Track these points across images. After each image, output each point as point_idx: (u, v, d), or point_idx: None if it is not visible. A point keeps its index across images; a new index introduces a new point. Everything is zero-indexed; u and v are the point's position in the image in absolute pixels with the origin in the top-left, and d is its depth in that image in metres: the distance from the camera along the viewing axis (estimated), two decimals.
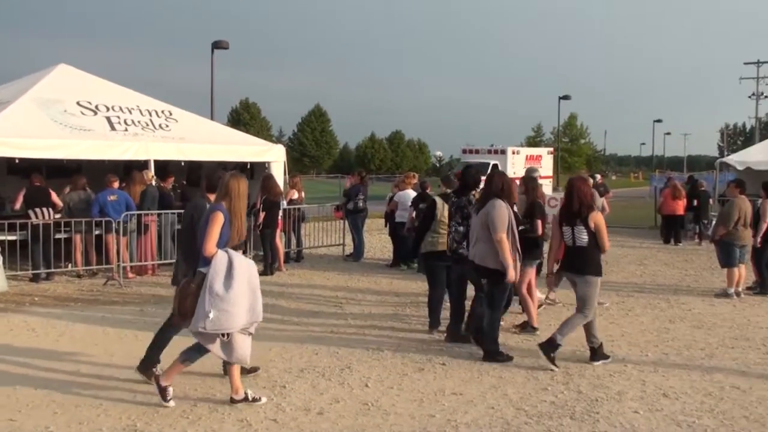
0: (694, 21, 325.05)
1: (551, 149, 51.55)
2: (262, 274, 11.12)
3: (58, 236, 12.41)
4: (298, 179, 16.70)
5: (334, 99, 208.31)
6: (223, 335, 5.97)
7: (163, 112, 15.33)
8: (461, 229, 8.39)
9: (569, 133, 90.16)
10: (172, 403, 6.22)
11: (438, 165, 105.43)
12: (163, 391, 6.24)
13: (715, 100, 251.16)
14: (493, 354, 7.74)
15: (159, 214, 13.21)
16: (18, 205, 12.66)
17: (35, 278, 12.31)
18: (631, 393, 6.78)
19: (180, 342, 6.77)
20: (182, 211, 13.43)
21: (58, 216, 12.73)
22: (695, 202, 20.44)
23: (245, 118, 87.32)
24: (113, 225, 12.30)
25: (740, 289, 11.73)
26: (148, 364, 6.84)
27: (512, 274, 7.64)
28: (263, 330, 6.53)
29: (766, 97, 68.91)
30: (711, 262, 14.85)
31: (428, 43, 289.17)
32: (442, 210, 8.83)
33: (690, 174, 35.53)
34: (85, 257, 12.86)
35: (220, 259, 5.97)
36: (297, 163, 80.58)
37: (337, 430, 5.81)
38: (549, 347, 7.57)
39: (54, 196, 12.68)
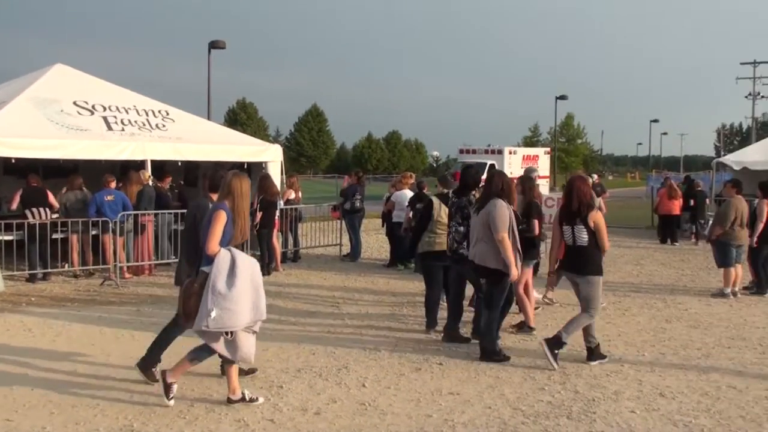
0: (691, 21, 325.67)
1: (548, 149, 51.59)
2: None
3: (54, 236, 12.40)
4: (295, 179, 16.70)
5: (331, 99, 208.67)
6: (226, 334, 5.96)
7: (159, 112, 15.33)
8: (461, 229, 8.39)
9: (566, 133, 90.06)
10: (171, 402, 6.22)
11: (435, 165, 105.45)
12: (167, 388, 6.23)
13: (711, 101, 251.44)
14: (490, 354, 7.74)
15: (156, 214, 13.20)
16: (15, 206, 12.64)
17: (32, 278, 12.29)
18: (627, 393, 6.79)
19: (185, 342, 6.78)
20: (179, 211, 13.52)
21: (55, 216, 12.72)
22: (692, 202, 20.48)
23: (242, 118, 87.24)
24: (110, 225, 12.28)
25: (737, 288, 11.75)
26: (148, 363, 6.83)
27: (515, 273, 7.69)
28: (260, 330, 6.53)
29: (762, 97, 68.99)
30: (707, 262, 14.87)
31: (425, 44, 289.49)
32: (439, 210, 8.84)
33: (687, 174, 35.60)
34: (81, 257, 12.84)
35: (222, 257, 5.97)
36: (294, 163, 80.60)
37: (334, 430, 5.81)
38: (554, 344, 7.58)
39: (51, 198, 12.67)
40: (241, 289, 5.91)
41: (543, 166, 43.01)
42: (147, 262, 13.19)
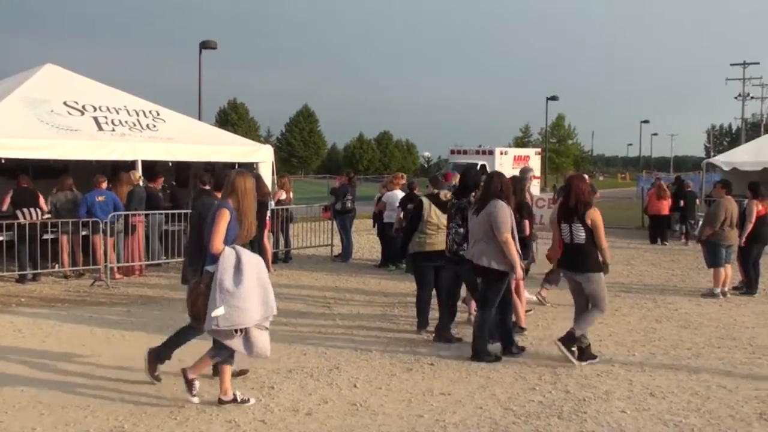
0: (681, 22, 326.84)
1: (539, 150, 51.69)
2: None
3: (44, 237, 12.35)
4: (286, 180, 16.69)
5: (322, 99, 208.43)
6: (237, 331, 5.93)
7: (150, 112, 15.30)
8: (461, 230, 8.39)
9: (557, 134, 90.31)
10: (196, 399, 6.19)
11: (426, 165, 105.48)
12: (189, 385, 6.19)
13: (701, 101, 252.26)
14: (481, 354, 7.75)
15: (146, 215, 13.17)
16: (5, 207, 12.59)
17: (21, 279, 12.25)
18: (618, 392, 6.81)
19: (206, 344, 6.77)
20: (170, 211, 13.50)
21: (46, 217, 12.67)
22: (682, 203, 20.57)
23: (233, 119, 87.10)
24: (100, 226, 12.24)
25: (726, 289, 11.80)
26: (158, 356, 6.82)
27: (520, 273, 7.81)
28: None
29: (752, 98, 69.42)
30: (697, 262, 14.93)
31: (418, 44, 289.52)
32: (429, 210, 8.83)
33: (677, 174, 35.72)
34: (71, 258, 12.80)
35: (227, 255, 5.95)
36: (285, 164, 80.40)
37: (326, 431, 5.80)
38: (568, 341, 7.66)
39: (41, 201, 12.63)
40: (248, 285, 5.89)
41: (534, 166, 43.04)
42: (137, 263, 13.15)
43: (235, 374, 6.85)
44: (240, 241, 6.21)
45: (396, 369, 7.49)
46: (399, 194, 14.23)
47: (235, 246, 6.05)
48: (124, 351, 8.02)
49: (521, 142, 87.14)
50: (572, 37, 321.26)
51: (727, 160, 23.07)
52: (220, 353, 6.22)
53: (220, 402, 6.23)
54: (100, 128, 13.74)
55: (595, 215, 7.61)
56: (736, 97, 68.97)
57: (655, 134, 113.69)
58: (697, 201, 21.28)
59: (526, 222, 9.32)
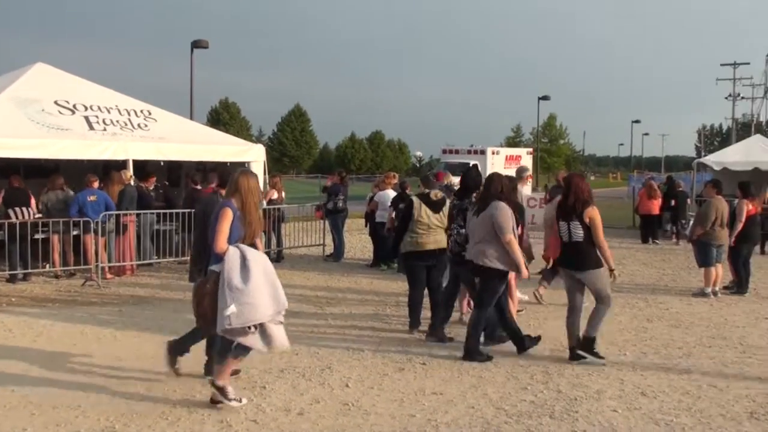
0: (673, 23, 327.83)
1: (530, 149, 51.79)
2: None
3: (35, 236, 12.30)
4: (278, 179, 16.66)
5: (314, 99, 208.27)
6: (250, 328, 5.90)
7: (142, 111, 15.25)
8: (463, 231, 8.40)
9: (548, 134, 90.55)
10: (234, 403, 6.14)
11: (418, 165, 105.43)
12: (222, 391, 6.13)
13: (692, 102, 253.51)
14: (474, 353, 7.76)
15: (138, 215, 13.13)
16: None
17: (12, 279, 12.19)
18: (609, 392, 6.82)
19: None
20: (162, 211, 13.47)
21: (37, 216, 12.63)
22: (673, 203, 20.64)
23: (225, 118, 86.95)
24: (91, 225, 12.20)
25: (717, 288, 11.84)
26: (177, 349, 6.84)
27: (525, 273, 7.85)
28: None
29: (742, 98, 69.52)
30: (688, 262, 14.98)
31: (410, 44, 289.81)
32: (419, 210, 8.82)
33: (668, 174, 35.83)
34: (62, 258, 12.76)
35: (232, 254, 5.92)
36: (277, 163, 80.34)
37: (318, 431, 5.80)
38: (587, 345, 7.73)
39: (33, 203, 12.58)
40: (256, 282, 5.86)
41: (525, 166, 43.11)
42: (129, 263, 13.12)
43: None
44: (247, 240, 6.18)
45: (388, 369, 7.49)
46: (391, 194, 14.23)
47: (238, 245, 6.03)
48: (115, 351, 8.00)
49: (513, 142, 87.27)
50: (564, 37, 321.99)
51: (717, 159, 23.19)
52: (238, 353, 6.15)
53: (212, 401, 6.22)
54: (91, 128, 13.69)
55: (593, 213, 7.64)
56: (726, 98, 69.11)
57: (647, 134, 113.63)
58: (688, 201, 21.36)
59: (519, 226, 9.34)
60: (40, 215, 12.68)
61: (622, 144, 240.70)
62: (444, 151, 46.33)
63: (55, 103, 13.83)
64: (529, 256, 9.60)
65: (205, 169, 15.64)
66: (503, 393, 6.75)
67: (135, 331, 8.93)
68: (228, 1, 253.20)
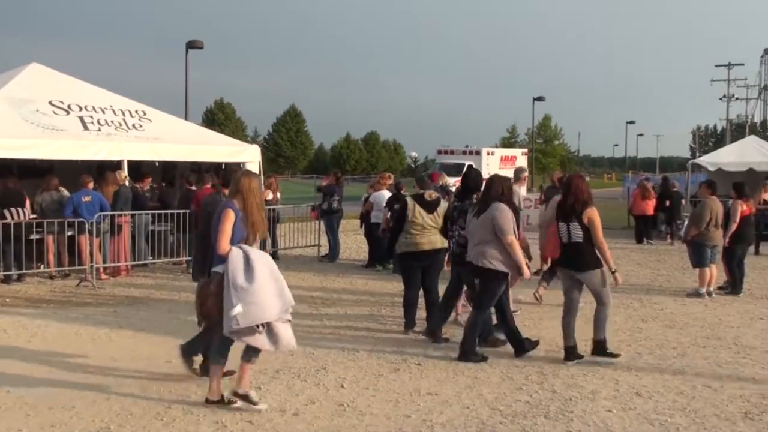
0: (667, 24, 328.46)
1: (526, 150, 51.90)
2: None
3: (30, 237, 12.28)
4: (273, 180, 16.66)
5: (309, 99, 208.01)
6: (259, 327, 5.89)
7: (136, 111, 15.23)
8: (465, 233, 8.41)
9: (543, 134, 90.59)
10: (260, 407, 6.14)
11: (413, 166, 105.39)
12: (247, 399, 6.13)
13: (687, 103, 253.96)
14: (469, 354, 7.77)
15: (132, 215, 13.11)
16: None
17: (6, 279, 12.16)
18: (604, 392, 6.84)
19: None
20: (157, 211, 13.44)
21: (33, 217, 12.60)
22: (668, 203, 20.67)
23: (220, 119, 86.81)
24: (86, 226, 12.18)
25: (711, 288, 11.86)
26: (189, 350, 6.86)
27: (527, 273, 7.86)
28: None
29: (736, 99, 69.91)
30: (683, 262, 15.00)
31: (405, 44, 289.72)
32: (413, 210, 8.82)
33: (664, 175, 35.92)
34: (57, 258, 12.73)
35: (235, 254, 5.91)
36: (272, 164, 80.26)
37: (313, 431, 5.80)
38: (599, 349, 7.83)
39: (27, 205, 12.55)
40: (261, 281, 5.85)
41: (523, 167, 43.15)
42: (123, 263, 13.10)
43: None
44: (250, 241, 6.17)
45: (383, 369, 7.49)
46: (386, 194, 14.22)
47: (241, 245, 6.02)
48: (110, 351, 7.99)
49: (508, 143, 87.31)
50: (559, 38, 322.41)
51: (712, 160, 23.26)
52: (250, 355, 6.12)
53: (207, 402, 6.21)
54: (85, 128, 13.66)
55: (592, 214, 7.66)
56: (721, 98, 69.52)
57: (641, 135, 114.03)
58: (683, 201, 21.41)
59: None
60: (34, 216, 12.65)
61: (616, 145, 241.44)
62: (439, 152, 46.40)
63: (50, 103, 13.81)
64: (528, 256, 9.63)
65: (200, 169, 15.65)
66: (498, 393, 6.76)
67: (130, 332, 8.92)
68: (223, 2, 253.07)
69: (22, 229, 11.89)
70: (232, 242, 5.98)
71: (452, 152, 44.67)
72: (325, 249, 16.11)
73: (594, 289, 7.79)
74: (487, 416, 6.16)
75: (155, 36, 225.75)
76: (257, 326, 5.85)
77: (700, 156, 37.51)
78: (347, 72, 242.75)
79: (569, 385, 7.03)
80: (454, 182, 20.10)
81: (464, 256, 8.24)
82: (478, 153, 42.69)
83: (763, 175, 20.04)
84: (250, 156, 15.43)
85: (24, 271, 12.27)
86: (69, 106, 14.02)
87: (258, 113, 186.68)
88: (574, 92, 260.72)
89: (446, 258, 9.18)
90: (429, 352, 8.15)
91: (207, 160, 14.91)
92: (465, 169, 9.74)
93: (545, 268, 11.19)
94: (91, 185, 12.64)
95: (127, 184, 13.28)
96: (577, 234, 7.67)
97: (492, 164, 40.23)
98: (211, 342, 6.66)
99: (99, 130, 13.80)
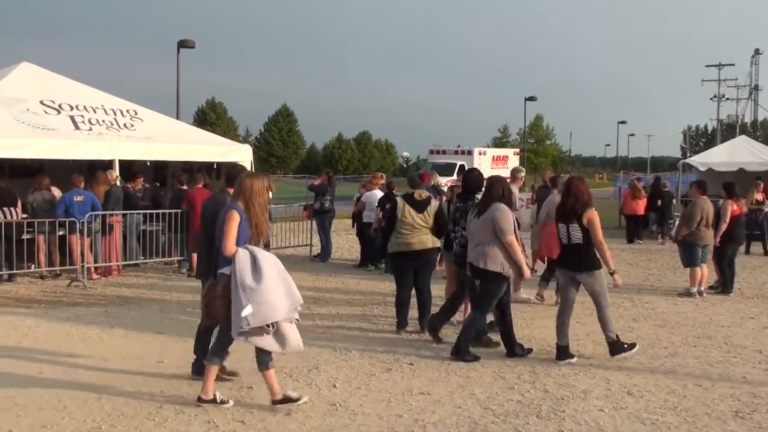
0: (657, 24, 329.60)
1: (517, 150, 51.98)
2: None
3: (21, 237, 12.23)
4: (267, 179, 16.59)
5: (301, 99, 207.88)
6: (268, 327, 5.87)
7: (128, 111, 15.18)
8: (467, 233, 8.41)
9: (535, 134, 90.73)
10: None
11: (405, 165, 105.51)
12: (286, 400, 6.14)
13: (677, 103, 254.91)
14: (462, 353, 7.77)
15: (124, 215, 13.07)
16: None
17: None
18: (596, 391, 6.85)
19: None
20: (148, 211, 13.41)
21: (24, 217, 12.55)
22: (659, 203, 20.75)
23: (211, 118, 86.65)
24: (77, 226, 12.14)
25: (702, 288, 11.90)
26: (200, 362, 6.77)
27: (528, 273, 7.89)
28: None
29: (727, 99, 70.16)
30: (674, 262, 15.05)
31: (398, 44, 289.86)
32: (403, 210, 8.83)
33: (656, 175, 36.03)
34: (48, 258, 12.68)
35: (242, 255, 5.90)
36: (264, 163, 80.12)
37: (305, 431, 5.80)
38: (615, 348, 7.88)
39: (18, 204, 12.51)
40: (269, 280, 5.84)
41: (512, 166, 43.22)
42: (115, 263, 13.06)
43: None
44: (254, 242, 6.15)
45: (375, 369, 7.49)
46: (378, 194, 14.23)
47: (246, 246, 6.01)
48: (101, 352, 7.97)
49: (500, 143, 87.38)
50: (550, 37, 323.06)
51: (702, 160, 23.34)
52: (263, 359, 6.09)
53: (200, 401, 6.19)
54: (76, 127, 13.61)
55: (592, 215, 7.69)
56: (711, 99, 69.75)
57: (632, 135, 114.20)
58: (674, 201, 21.48)
59: None
60: (25, 215, 12.60)
61: (608, 144, 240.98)
62: (431, 152, 46.44)
63: (41, 102, 13.76)
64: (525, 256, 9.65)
65: (191, 169, 15.60)
66: (490, 393, 6.77)
67: (121, 332, 8.89)
68: (215, 1, 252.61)
69: (13, 229, 11.85)
70: (237, 243, 5.97)
71: (444, 152, 44.73)
72: (317, 249, 16.10)
73: (592, 290, 7.81)
74: (479, 416, 6.17)
75: (147, 35, 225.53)
76: (267, 326, 5.85)
77: (690, 156, 37.65)
78: (339, 72, 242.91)
79: (561, 384, 7.05)
80: (446, 182, 20.14)
81: (465, 257, 8.27)
82: (470, 153, 42.75)
83: (753, 175, 20.12)
84: (242, 156, 15.40)
85: (15, 271, 12.22)
86: (60, 106, 13.97)
87: (250, 113, 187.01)
88: (566, 92, 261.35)
89: (438, 258, 9.21)
90: (421, 351, 8.16)
91: (198, 160, 14.87)
92: (466, 170, 9.75)
93: (537, 267, 11.19)
94: (82, 185, 12.60)
95: (118, 183, 13.24)
96: (577, 235, 7.70)
97: (484, 164, 40.31)
98: (228, 343, 6.65)
99: (90, 129, 13.75)
